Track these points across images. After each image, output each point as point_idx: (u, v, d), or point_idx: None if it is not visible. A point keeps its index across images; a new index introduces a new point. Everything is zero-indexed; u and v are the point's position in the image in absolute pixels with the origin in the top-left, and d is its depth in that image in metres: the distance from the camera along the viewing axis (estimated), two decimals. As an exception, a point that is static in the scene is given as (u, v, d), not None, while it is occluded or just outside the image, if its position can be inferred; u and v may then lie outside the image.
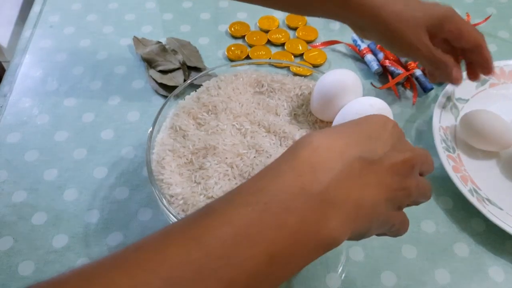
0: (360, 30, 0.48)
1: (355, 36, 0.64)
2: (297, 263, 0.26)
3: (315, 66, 0.62)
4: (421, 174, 0.33)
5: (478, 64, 0.50)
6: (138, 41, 0.63)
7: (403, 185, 0.30)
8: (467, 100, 0.56)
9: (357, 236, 0.29)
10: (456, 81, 0.49)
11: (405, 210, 0.33)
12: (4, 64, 0.84)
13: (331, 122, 0.42)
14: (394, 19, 0.44)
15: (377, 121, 0.32)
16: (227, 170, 0.41)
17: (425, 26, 0.45)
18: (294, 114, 0.45)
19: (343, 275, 0.44)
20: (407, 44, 0.45)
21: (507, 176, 0.51)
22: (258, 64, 0.50)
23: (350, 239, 0.28)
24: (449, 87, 0.56)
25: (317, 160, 0.28)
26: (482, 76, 0.52)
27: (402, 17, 0.44)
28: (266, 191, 0.26)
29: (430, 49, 0.46)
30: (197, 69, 0.60)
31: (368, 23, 0.45)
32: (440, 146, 0.50)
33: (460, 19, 0.47)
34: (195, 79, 0.49)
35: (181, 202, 0.39)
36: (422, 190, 0.32)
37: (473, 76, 0.51)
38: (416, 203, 0.33)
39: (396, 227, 0.32)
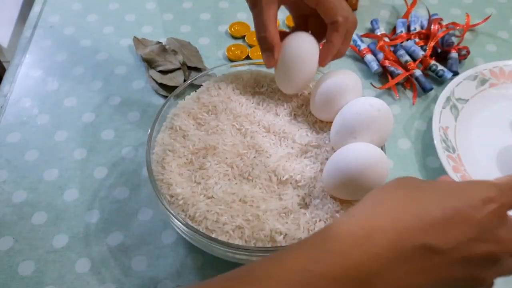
0: None
1: (355, 36, 0.64)
2: None
3: (315, 66, 0.62)
4: None
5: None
6: (138, 42, 0.63)
7: (475, 276, 0.27)
8: (467, 100, 0.56)
9: None
10: (266, 64, 0.44)
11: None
12: (5, 64, 0.84)
13: (331, 122, 0.42)
14: None
15: (476, 197, 0.27)
16: (227, 170, 0.41)
17: None
18: (294, 114, 0.45)
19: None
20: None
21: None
22: (258, 64, 0.50)
23: None
24: (449, 87, 0.56)
25: (368, 242, 0.26)
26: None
27: None
28: (308, 272, 0.25)
29: (263, 16, 0.41)
30: (197, 69, 0.60)
31: None
32: (440, 146, 0.50)
33: None
34: (195, 79, 0.49)
35: (181, 202, 0.39)
36: (503, 275, 0.28)
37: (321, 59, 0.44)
38: None
39: None
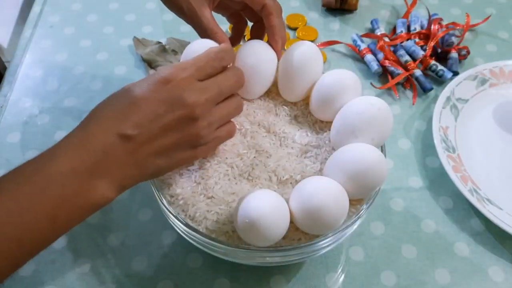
0: None
1: (355, 36, 0.64)
2: (77, 219, 0.34)
3: (315, 66, 0.62)
4: None
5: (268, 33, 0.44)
6: (138, 42, 0.63)
7: (186, 136, 0.35)
8: (467, 100, 0.56)
9: (137, 182, 0.36)
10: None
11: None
12: (5, 64, 0.84)
13: (331, 122, 0.42)
14: None
15: (155, 81, 0.35)
16: (227, 170, 0.41)
17: None
18: (294, 114, 0.45)
19: (343, 274, 0.44)
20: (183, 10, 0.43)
21: (506, 173, 0.51)
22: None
23: (136, 184, 0.36)
24: (449, 87, 0.56)
25: (84, 141, 0.33)
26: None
27: None
28: (45, 173, 0.32)
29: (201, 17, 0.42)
30: (197, 69, 0.60)
31: None
32: (440, 146, 0.51)
33: None
34: (195, 79, 0.49)
35: (181, 202, 0.39)
36: (218, 122, 0.38)
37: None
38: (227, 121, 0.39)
39: (199, 154, 0.38)
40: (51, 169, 0.32)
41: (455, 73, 0.59)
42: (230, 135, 0.41)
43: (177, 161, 0.37)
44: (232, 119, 0.41)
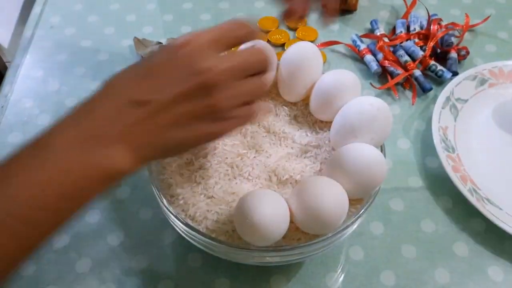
0: None
1: (354, 37, 0.64)
2: (90, 195, 0.31)
3: (315, 67, 0.62)
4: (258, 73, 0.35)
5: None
6: (139, 42, 0.63)
7: (204, 105, 0.32)
8: (466, 100, 0.57)
9: (157, 157, 0.35)
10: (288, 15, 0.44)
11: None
12: (5, 64, 0.84)
13: (331, 122, 0.42)
14: None
15: (171, 48, 0.33)
16: (227, 170, 0.41)
17: None
18: (294, 114, 0.45)
19: (343, 274, 0.44)
20: None
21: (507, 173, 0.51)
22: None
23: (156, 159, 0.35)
24: (448, 87, 0.56)
25: (93, 106, 0.32)
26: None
27: None
28: (49, 147, 0.30)
29: None
30: (197, 70, 0.60)
31: None
32: (439, 146, 0.51)
33: None
34: (195, 79, 0.49)
35: (181, 202, 0.40)
36: (238, 97, 0.33)
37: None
38: (248, 102, 0.34)
39: (219, 130, 0.34)
40: (57, 138, 0.30)
41: (455, 73, 0.59)
42: (249, 118, 0.36)
43: (196, 136, 0.34)
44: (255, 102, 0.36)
